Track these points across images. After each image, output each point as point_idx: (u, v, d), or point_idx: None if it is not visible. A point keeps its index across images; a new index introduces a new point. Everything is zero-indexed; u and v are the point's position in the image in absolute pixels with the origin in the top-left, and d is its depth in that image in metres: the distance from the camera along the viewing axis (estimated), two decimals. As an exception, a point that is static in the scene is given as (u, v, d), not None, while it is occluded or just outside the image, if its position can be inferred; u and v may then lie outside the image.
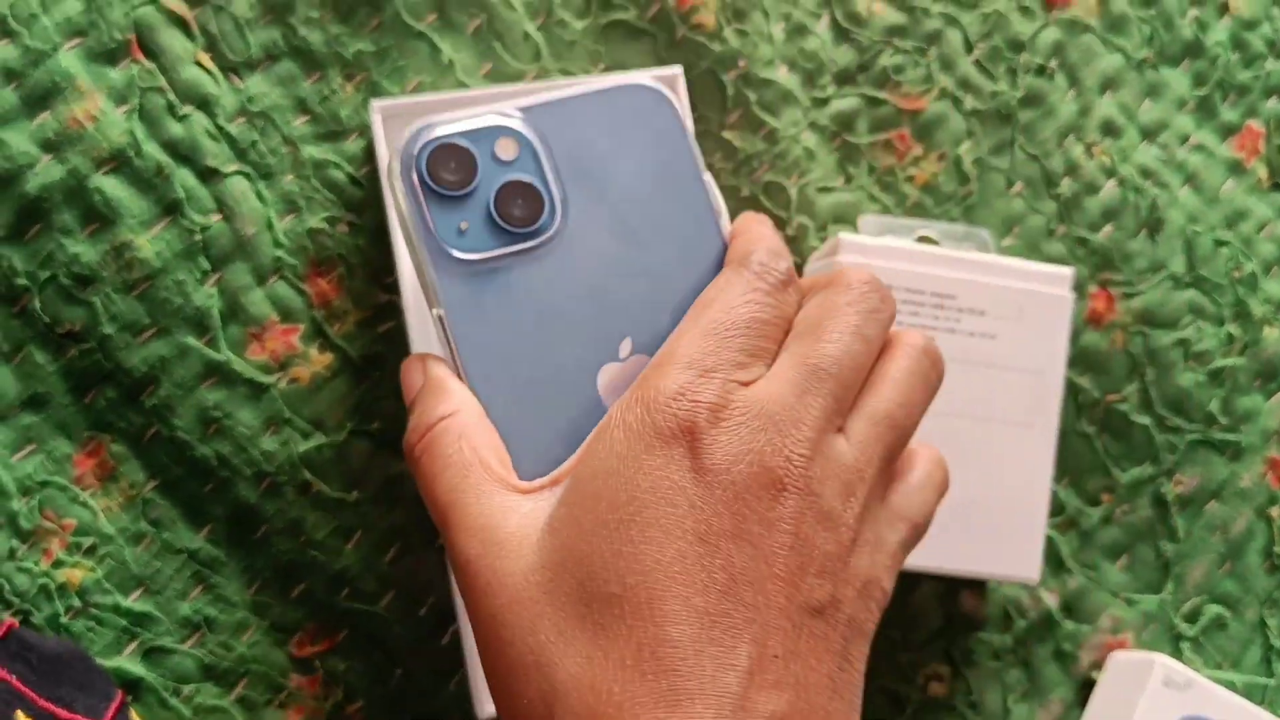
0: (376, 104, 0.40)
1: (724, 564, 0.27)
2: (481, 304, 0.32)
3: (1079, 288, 0.47)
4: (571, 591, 0.27)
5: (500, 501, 0.29)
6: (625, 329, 0.33)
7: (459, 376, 0.32)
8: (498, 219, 0.32)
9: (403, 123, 0.40)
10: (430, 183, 0.32)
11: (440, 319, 0.32)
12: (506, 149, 0.33)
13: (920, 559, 0.41)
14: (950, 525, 0.41)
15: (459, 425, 0.31)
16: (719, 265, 0.33)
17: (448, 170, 0.32)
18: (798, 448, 0.28)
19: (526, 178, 0.33)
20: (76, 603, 0.39)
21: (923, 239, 0.45)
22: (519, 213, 0.32)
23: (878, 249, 0.41)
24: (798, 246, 0.45)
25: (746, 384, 0.29)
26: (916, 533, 0.32)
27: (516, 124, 0.33)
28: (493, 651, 0.28)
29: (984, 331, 0.42)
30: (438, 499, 0.30)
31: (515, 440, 0.32)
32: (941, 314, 0.42)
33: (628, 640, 0.26)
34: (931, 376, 0.33)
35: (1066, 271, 0.43)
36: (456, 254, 0.32)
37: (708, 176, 0.34)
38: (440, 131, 0.33)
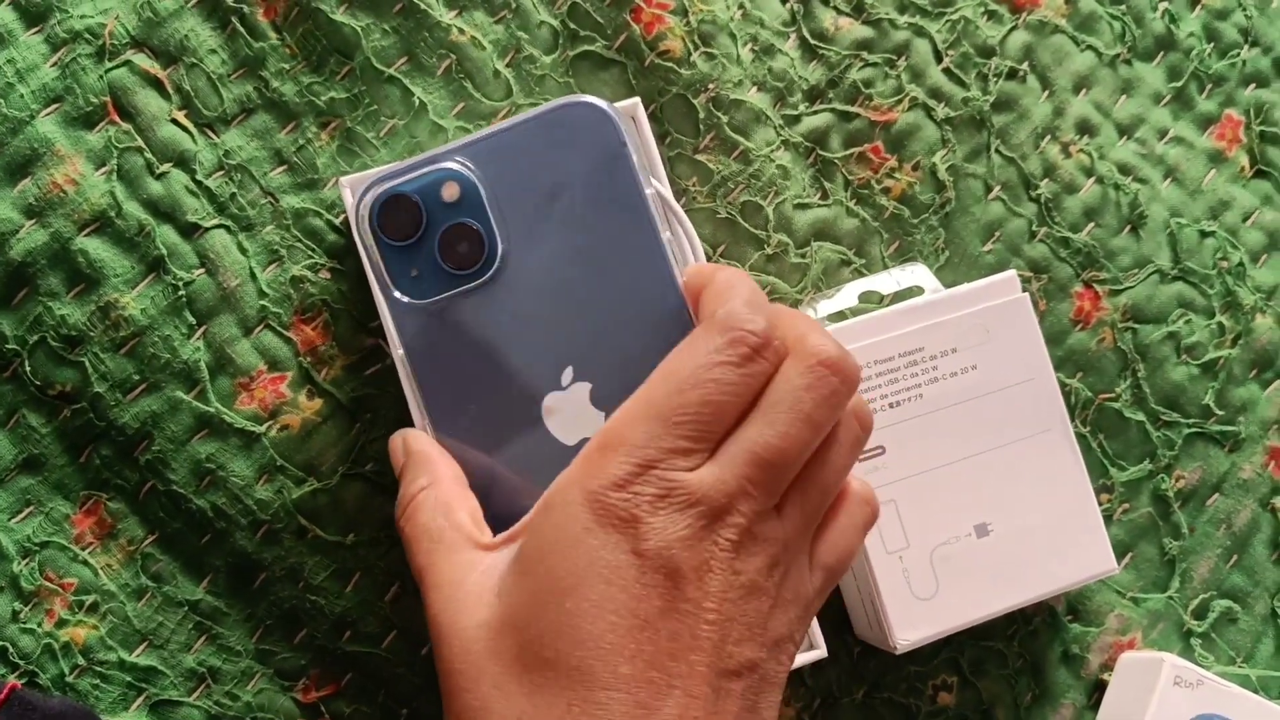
0: (345, 180, 0.40)
1: (652, 638, 0.29)
2: (436, 345, 0.34)
3: (1064, 288, 0.47)
4: (512, 651, 0.29)
5: (464, 558, 0.32)
6: (566, 357, 0.34)
7: (423, 414, 0.35)
8: (442, 263, 0.34)
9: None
10: (382, 235, 0.34)
11: (401, 360, 0.34)
12: (450, 192, 0.34)
13: (1002, 601, 0.41)
14: (1017, 558, 0.41)
15: (434, 495, 0.34)
16: (664, 279, 0.34)
17: (396, 221, 0.34)
18: (730, 533, 0.30)
19: (468, 219, 0.34)
20: (81, 661, 0.40)
21: (865, 295, 0.45)
22: (462, 254, 0.34)
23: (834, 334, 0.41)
24: (779, 264, 0.45)
25: (690, 470, 0.30)
26: (834, 577, 0.33)
27: (457, 165, 0.34)
28: (447, 696, 0.30)
29: (964, 366, 0.42)
30: (417, 564, 0.33)
31: (480, 481, 0.34)
32: (919, 370, 0.42)
33: (558, 701, 0.28)
34: (861, 441, 0.33)
35: (1009, 274, 0.43)
36: (408, 300, 0.34)
37: (654, 189, 0.35)
38: (389, 185, 0.34)
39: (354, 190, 0.41)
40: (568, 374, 0.34)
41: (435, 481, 0.34)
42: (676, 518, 0.29)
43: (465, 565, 0.32)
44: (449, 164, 0.34)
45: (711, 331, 0.31)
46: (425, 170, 0.34)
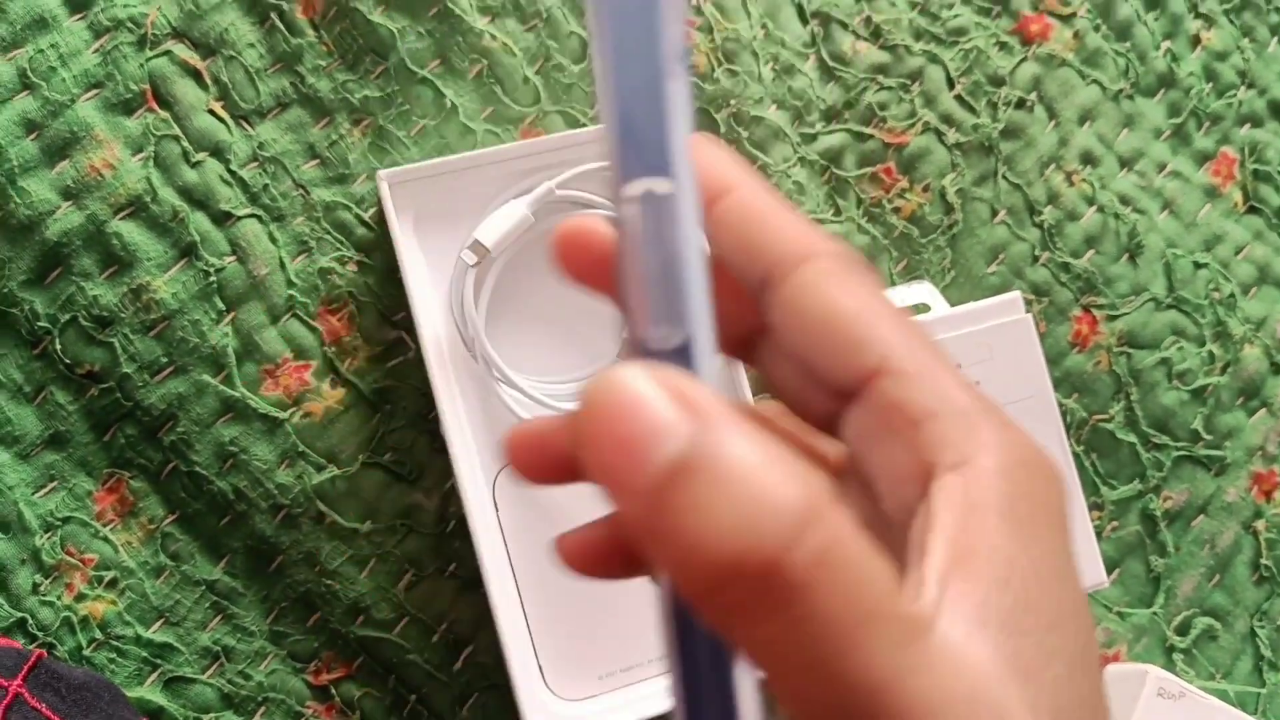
0: (383, 174, 0.42)
1: None
2: None
3: (1063, 312, 0.49)
4: None
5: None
6: None
7: None
8: None
9: (407, 189, 0.42)
10: None
11: None
12: None
13: None
14: None
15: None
16: None
17: None
18: None
19: None
20: (99, 635, 0.40)
21: None
22: None
23: None
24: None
25: None
26: None
27: None
28: None
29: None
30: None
31: None
32: None
33: None
34: None
35: (1014, 295, 0.45)
36: None
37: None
38: None
39: (391, 185, 0.42)
40: None
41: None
42: None
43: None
44: None
45: None
46: None
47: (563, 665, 0.41)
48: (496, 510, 0.41)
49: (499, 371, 0.41)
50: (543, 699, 0.40)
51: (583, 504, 0.42)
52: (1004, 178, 0.49)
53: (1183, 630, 0.48)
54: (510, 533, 0.41)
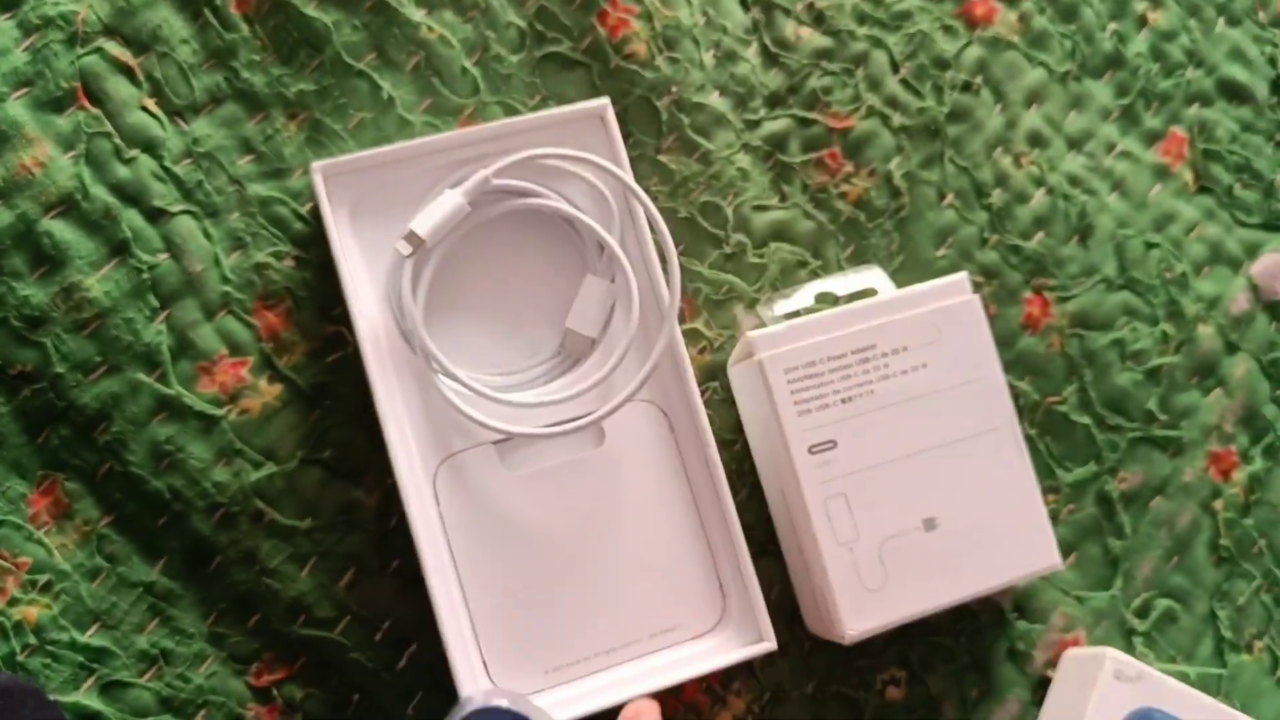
0: (317, 166, 0.41)
1: None
2: None
3: (1013, 294, 0.48)
4: None
5: None
6: None
7: None
8: None
9: (342, 181, 0.41)
10: None
11: None
12: None
13: (949, 594, 0.42)
14: (964, 552, 0.42)
15: None
16: None
17: None
18: None
19: None
20: (33, 640, 0.40)
21: (820, 296, 0.46)
22: None
23: (787, 333, 0.42)
24: (737, 263, 0.46)
25: None
26: None
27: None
28: None
29: (914, 364, 0.43)
30: None
31: None
32: (870, 367, 0.43)
33: None
34: None
35: (960, 276, 0.44)
36: None
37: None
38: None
39: (326, 177, 0.41)
40: None
41: None
42: None
43: None
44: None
45: None
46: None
47: (508, 659, 0.40)
48: (438, 504, 0.41)
49: (438, 364, 0.40)
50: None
51: (522, 498, 0.41)
52: (951, 161, 0.49)
53: (1142, 613, 0.48)
54: (452, 525, 0.41)
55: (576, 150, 0.42)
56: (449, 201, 0.40)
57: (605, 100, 0.43)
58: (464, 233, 0.43)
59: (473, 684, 0.39)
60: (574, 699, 0.40)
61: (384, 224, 0.42)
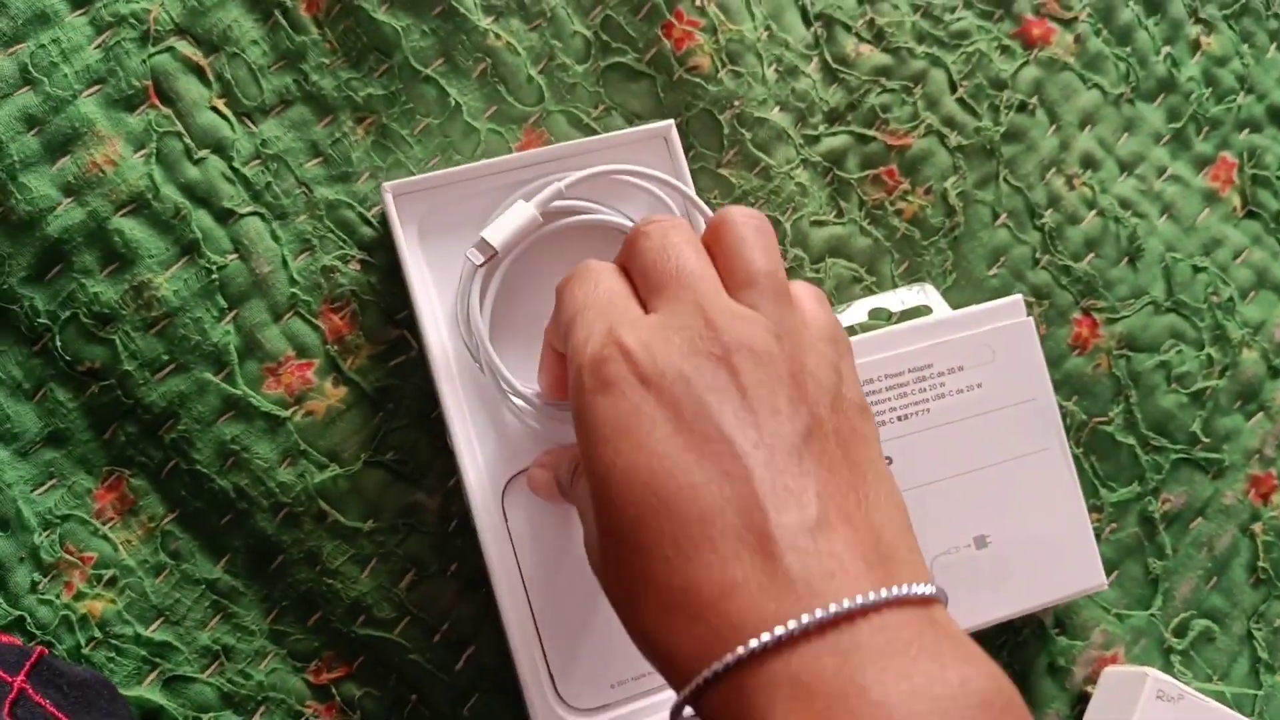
0: (388, 185, 0.41)
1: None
2: None
3: (1063, 314, 0.49)
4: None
5: None
6: None
7: None
8: None
9: (412, 200, 0.42)
10: None
11: None
12: None
13: (997, 610, 0.43)
14: (1013, 570, 0.43)
15: None
16: None
17: None
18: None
19: None
20: (97, 634, 0.40)
21: (874, 312, 0.47)
22: None
23: None
24: (794, 278, 0.47)
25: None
26: (833, 336, 0.32)
27: None
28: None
29: (969, 384, 0.44)
30: None
31: None
32: (927, 385, 0.43)
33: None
34: (755, 220, 0.33)
35: (1015, 298, 0.45)
36: None
37: None
38: None
39: (396, 195, 0.41)
40: None
41: None
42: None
43: None
44: None
45: None
46: None
47: (574, 674, 0.41)
48: (506, 520, 0.41)
49: (506, 382, 0.41)
50: (554, 708, 0.40)
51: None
52: (1005, 181, 0.49)
53: (1180, 632, 0.49)
54: (520, 541, 0.41)
55: (645, 167, 0.43)
56: (522, 213, 0.41)
57: (669, 122, 0.44)
58: (532, 245, 0.43)
59: (541, 699, 0.40)
60: (640, 712, 0.41)
61: (452, 242, 0.42)
